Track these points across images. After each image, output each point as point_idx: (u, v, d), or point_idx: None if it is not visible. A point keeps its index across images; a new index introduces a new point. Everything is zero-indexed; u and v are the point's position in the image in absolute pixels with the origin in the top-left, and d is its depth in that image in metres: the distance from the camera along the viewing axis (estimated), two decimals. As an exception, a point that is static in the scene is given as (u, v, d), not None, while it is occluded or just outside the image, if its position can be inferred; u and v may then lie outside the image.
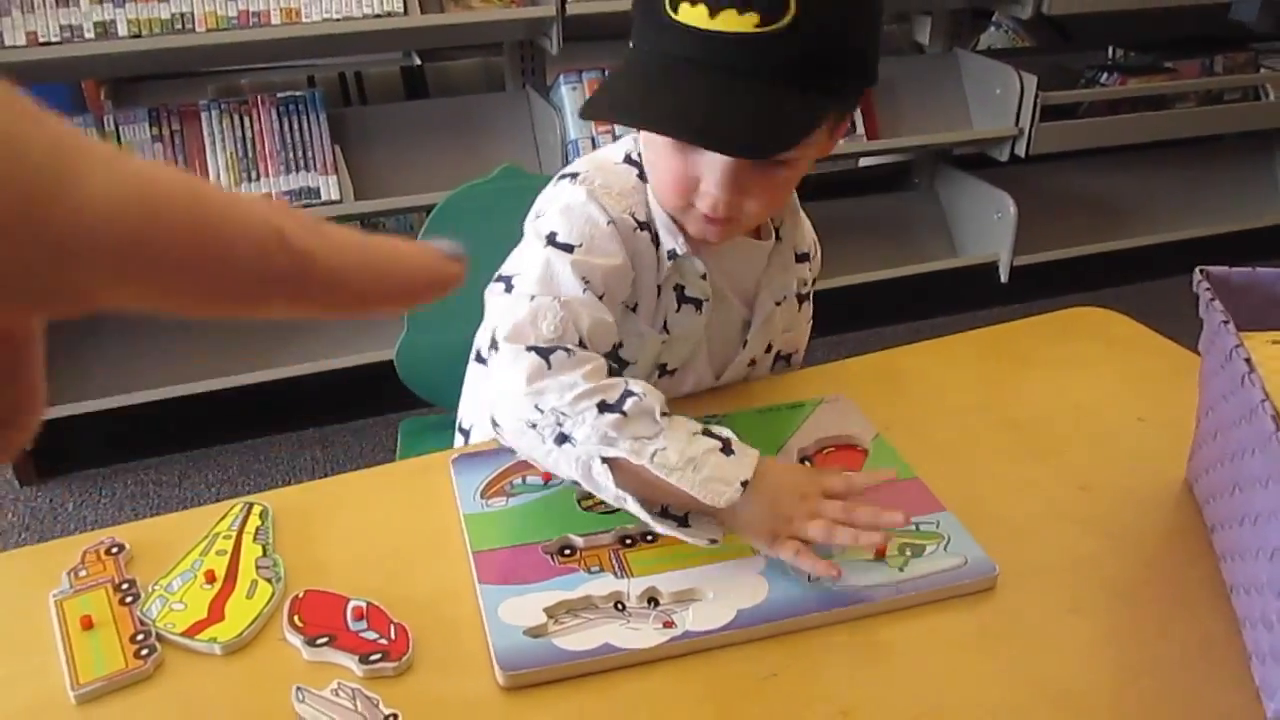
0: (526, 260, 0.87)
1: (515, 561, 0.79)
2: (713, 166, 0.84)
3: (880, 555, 0.79)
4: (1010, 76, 2.48)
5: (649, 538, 0.82)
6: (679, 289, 0.94)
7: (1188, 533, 0.83)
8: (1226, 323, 0.76)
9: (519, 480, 0.89)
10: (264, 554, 0.81)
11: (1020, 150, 2.53)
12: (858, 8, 0.82)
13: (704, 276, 0.94)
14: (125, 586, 0.77)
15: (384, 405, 2.25)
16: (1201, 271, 0.83)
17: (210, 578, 0.77)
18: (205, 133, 2.08)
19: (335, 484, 0.93)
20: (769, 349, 1.06)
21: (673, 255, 0.92)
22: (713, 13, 0.77)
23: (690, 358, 0.99)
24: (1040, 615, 0.75)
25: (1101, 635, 0.74)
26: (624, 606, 0.75)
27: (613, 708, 0.68)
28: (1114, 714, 0.68)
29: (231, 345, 2.21)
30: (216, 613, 0.74)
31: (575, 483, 0.80)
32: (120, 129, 2.04)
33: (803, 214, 1.04)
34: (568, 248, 0.86)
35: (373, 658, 0.70)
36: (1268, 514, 0.66)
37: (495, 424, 0.82)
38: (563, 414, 0.77)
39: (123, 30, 1.88)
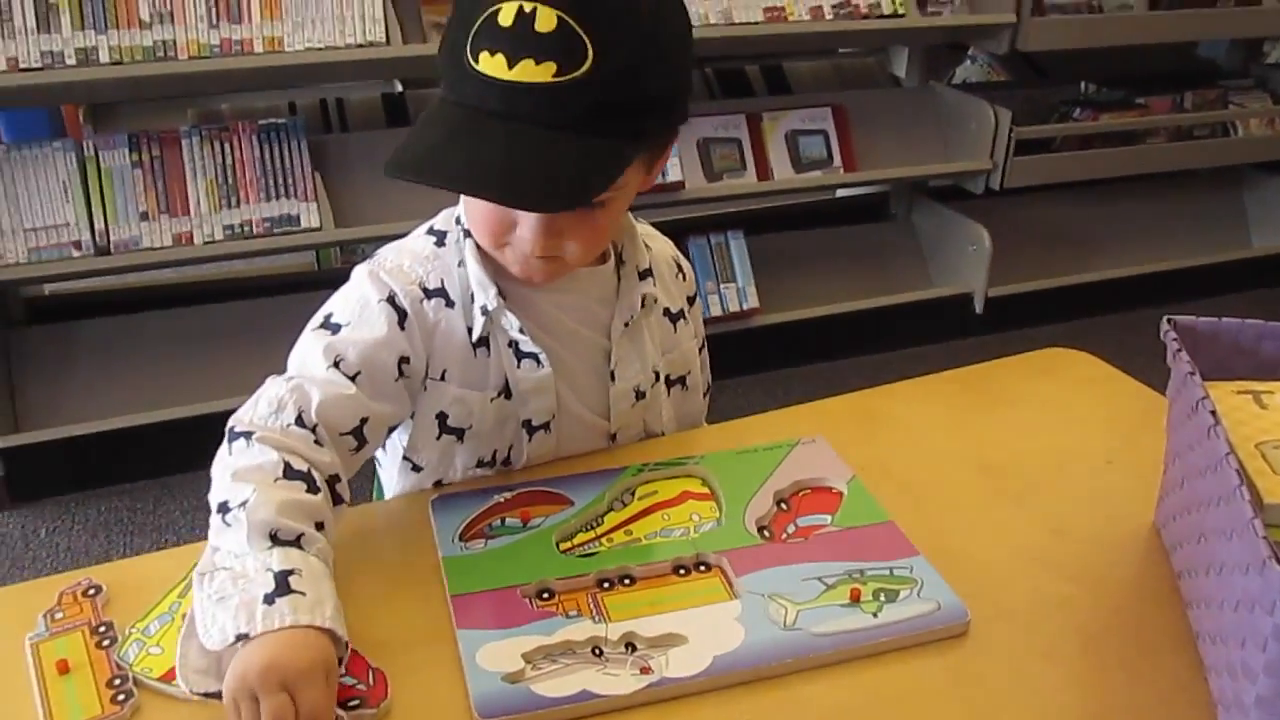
0: (298, 345, 0.90)
1: (493, 605, 0.80)
2: (527, 214, 0.84)
3: (855, 599, 0.80)
4: (985, 110, 2.52)
5: (626, 581, 0.83)
6: (513, 345, 0.94)
7: (1156, 578, 0.85)
8: (1193, 374, 0.77)
9: (498, 522, 0.90)
10: (242, 596, 0.81)
11: (995, 183, 2.57)
12: (656, 51, 0.81)
13: (522, 330, 0.92)
14: (102, 629, 0.77)
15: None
16: (1169, 321, 0.85)
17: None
18: (185, 158, 2.08)
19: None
20: (657, 377, 1.04)
21: (485, 310, 0.91)
22: (511, 63, 0.77)
23: (560, 409, 0.97)
24: (1011, 660, 0.77)
25: (1071, 681, 0.75)
26: (601, 652, 0.75)
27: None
28: (1083, 760, 0.70)
29: (208, 371, 2.20)
30: (194, 659, 0.74)
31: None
32: (100, 154, 2.03)
33: (642, 232, 1.02)
34: (335, 328, 0.89)
35: (351, 704, 0.70)
36: (1232, 565, 0.68)
37: None
38: (211, 501, 0.79)
39: (104, 57, 1.88)
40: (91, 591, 0.81)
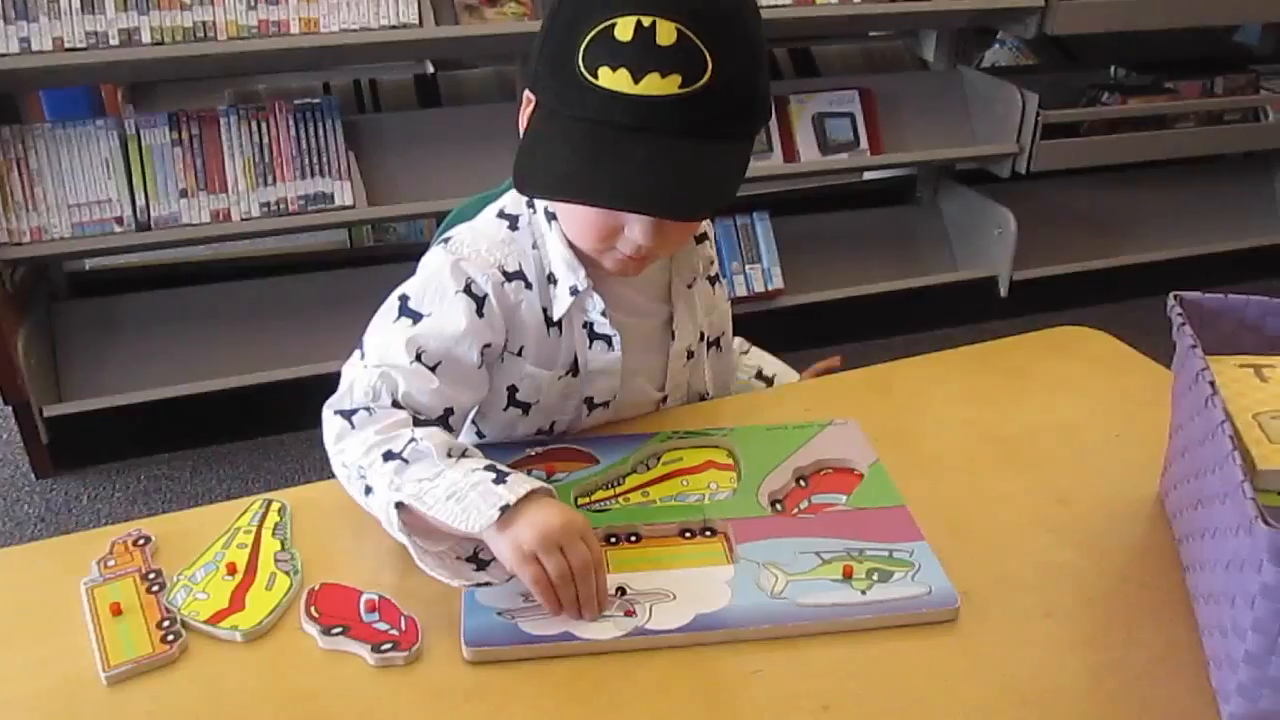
0: (376, 329, 0.93)
1: None
2: (642, 219, 0.86)
3: (847, 576, 0.82)
4: (1013, 94, 2.53)
5: (633, 538, 0.87)
6: (588, 326, 0.97)
7: (1158, 545, 0.88)
8: (1194, 346, 0.80)
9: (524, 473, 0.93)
10: (282, 548, 0.86)
11: (1021, 167, 2.58)
12: (759, 52, 0.85)
13: (604, 313, 0.96)
14: (152, 576, 0.82)
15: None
16: (1175, 296, 0.87)
17: (232, 569, 0.82)
18: (224, 137, 2.13)
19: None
20: (701, 338, 1.08)
21: (574, 291, 0.94)
22: (636, 78, 0.79)
23: (620, 386, 1.01)
24: (1014, 619, 0.80)
25: (1072, 639, 0.79)
26: None
27: (637, 692, 0.73)
28: (1080, 714, 0.73)
29: (243, 345, 2.26)
30: (238, 602, 0.79)
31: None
32: (141, 133, 2.09)
33: None
34: (415, 316, 0.92)
35: (384, 647, 0.75)
36: (1224, 528, 0.70)
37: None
38: (362, 468, 0.84)
39: (146, 37, 1.93)
40: (141, 541, 0.86)
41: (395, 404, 0.88)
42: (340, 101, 2.24)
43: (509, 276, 0.94)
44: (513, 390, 0.98)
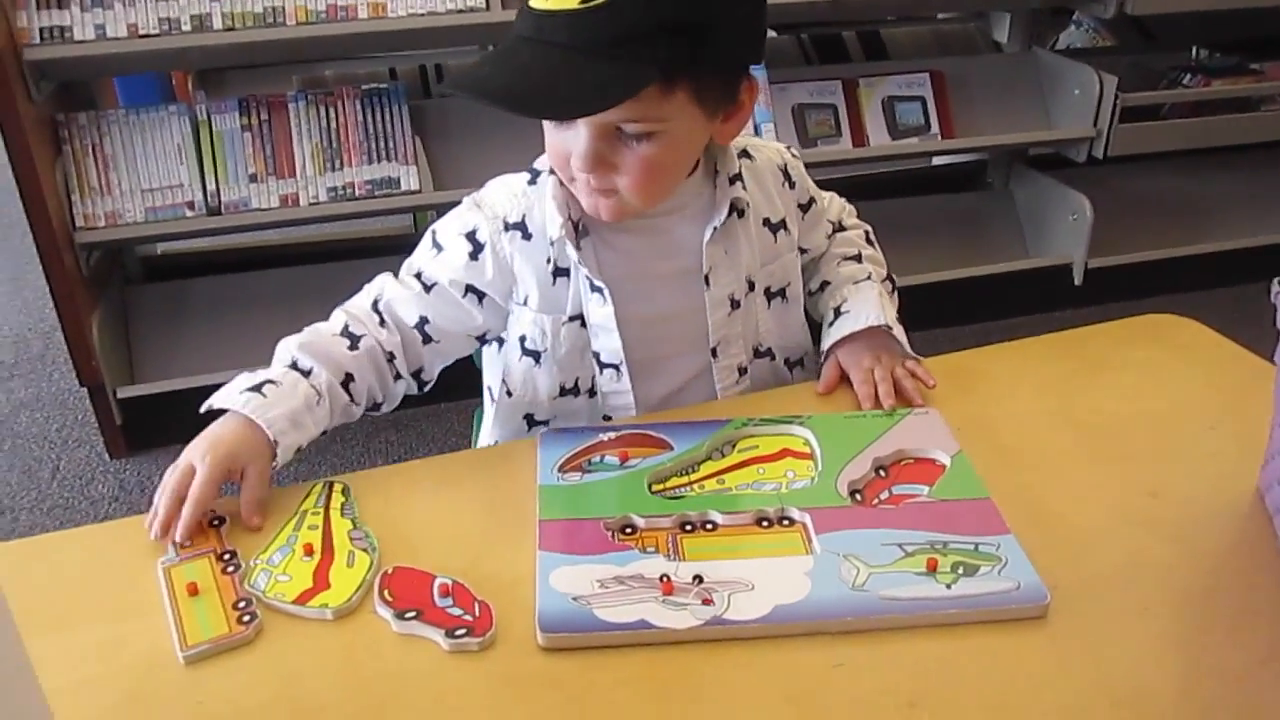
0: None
1: (576, 533, 0.83)
2: (576, 141, 0.90)
3: (931, 569, 0.79)
4: (1090, 77, 2.46)
5: (708, 526, 0.85)
6: (589, 278, 1.00)
7: (1258, 542, 0.84)
8: (1303, 334, 0.76)
9: (597, 458, 0.93)
10: (354, 526, 0.85)
11: (1098, 152, 2.51)
12: None
13: (581, 263, 0.99)
14: (227, 557, 0.82)
15: (459, 391, 2.30)
16: (1279, 282, 0.83)
17: (309, 550, 0.82)
18: (292, 123, 2.14)
19: (417, 466, 0.97)
20: (751, 286, 1.06)
21: (551, 241, 0.99)
22: None
23: (648, 348, 1.03)
24: (1106, 616, 0.77)
25: (1167, 639, 0.75)
26: (668, 577, 0.78)
27: (715, 684, 0.71)
28: (1177, 716, 0.70)
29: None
30: (322, 581, 0.79)
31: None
32: (212, 118, 2.11)
33: (748, 143, 1.07)
34: (438, 248, 1.03)
35: (458, 632, 0.74)
36: (1339, 525, 0.67)
37: None
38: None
39: (217, 23, 1.95)
40: (216, 522, 0.86)
41: (374, 304, 1.02)
42: (406, 86, 2.25)
43: (508, 227, 1.01)
44: (523, 339, 1.04)
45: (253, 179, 2.12)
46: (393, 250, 2.53)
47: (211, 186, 2.11)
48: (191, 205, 2.10)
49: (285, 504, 0.90)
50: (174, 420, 2.25)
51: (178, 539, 0.84)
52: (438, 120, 2.27)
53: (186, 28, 1.94)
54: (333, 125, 2.17)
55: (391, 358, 1.02)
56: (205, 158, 2.11)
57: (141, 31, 1.93)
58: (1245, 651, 0.74)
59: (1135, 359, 1.12)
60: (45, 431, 2.32)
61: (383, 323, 1.02)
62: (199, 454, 0.88)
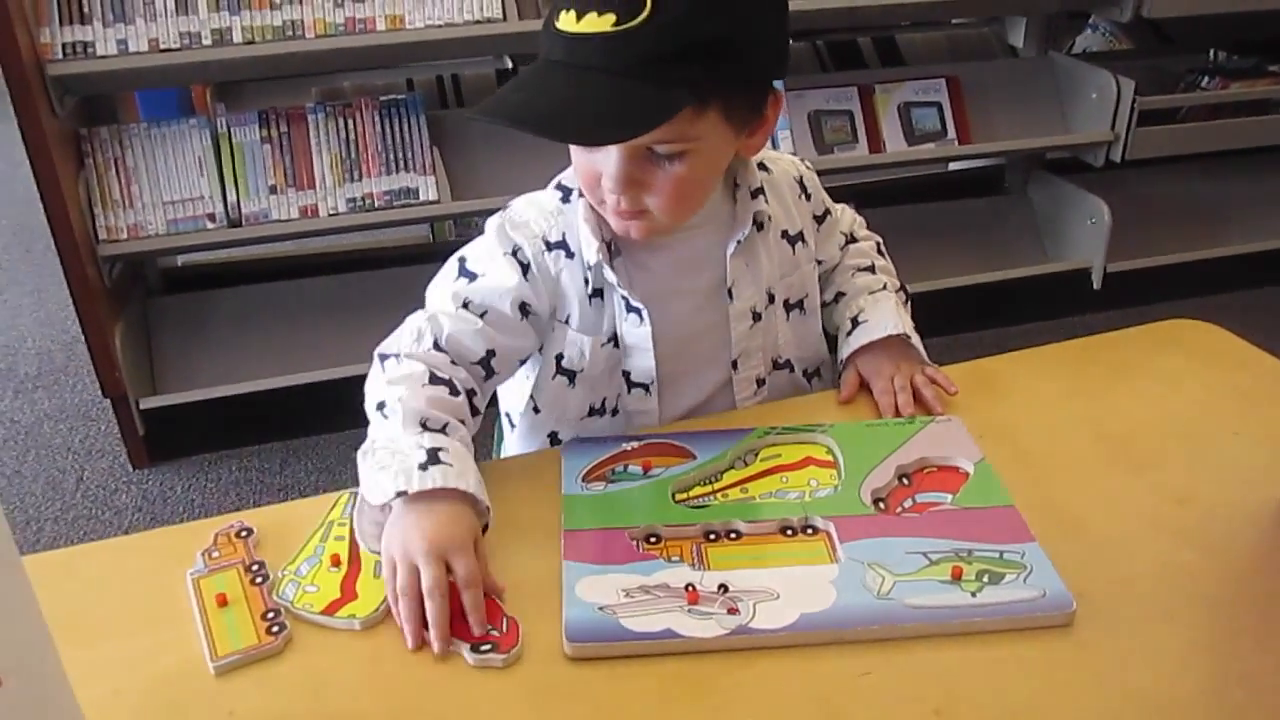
0: (435, 285, 1.01)
1: (601, 543, 0.83)
2: (606, 163, 0.89)
3: (956, 578, 0.79)
4: (1107, 80, 2.45)
5: (732, 535, 0.85)
6: (625, 299, 0.99)
7: (1286, 548, 0.83)
8: (1330, 340, 0.76)
9: (621, 468, 0.93)
10: (380, 539, 0.86)
11: (1116, 155, 2.50)
12: (716, 5, 0.84)
13: (621, 284, 0.97)
14: (255, 567, 0.83)
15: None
16: (1305, 287, 0.83)
17: (336, 561, 0.83)
18: (311, 135, 2.16)
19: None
20: (771, 299, 1.06)
21: (588, 266, 0.97)
22: (579, 17, 0.83)
23: (674, 367, 1.02)
24: (1133, 624, 0.76)
25: (1195, 647, 0.75)
26: (693, 587, 0.78)
27: (742, 693, 0.71)
28: (1206, 724, 0.69)
29: (329, 339, 2.29)
30: (349, 592, 0.79)
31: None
32: (232, 131, 2.13)
33: (764, 155, 1.06)
34: (470, 275, 0.98)
35: (483, 648, 0.74)
36: (1369, 532, 0.66)
37: None
38: (369, 413, 0.91)
39: (238, 37, 1.97)
40: (244, 533, 0.87)
41: (437, 345, 0.94)
42: (424, 97, 2.26)
43: (550, 246, 0.98)
44: (559, 358, 1.02)
45: (272, 190, 2.14)
46: (411, 260, 2.57)
47: (232, 198, 2.12)
48: (212, 217, 2.12)
49: (312, 515, 0.90)
50: (195, 431, 2.29)
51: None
52: (455, 131, 2.28)
53: (207, 42, 1.96)
54: (351, 136, 2.18)
55: (472, 394, 0.95)
56: (225, 170, 2.13)
57: (163, 46, 1.95)
58: (1275, 658, 0.73)
59: (1158, 365, 1.11)
60: (69, 442, 2.34)
61: (454, 362, 0.95)
62: (413, 554, 0.78)
